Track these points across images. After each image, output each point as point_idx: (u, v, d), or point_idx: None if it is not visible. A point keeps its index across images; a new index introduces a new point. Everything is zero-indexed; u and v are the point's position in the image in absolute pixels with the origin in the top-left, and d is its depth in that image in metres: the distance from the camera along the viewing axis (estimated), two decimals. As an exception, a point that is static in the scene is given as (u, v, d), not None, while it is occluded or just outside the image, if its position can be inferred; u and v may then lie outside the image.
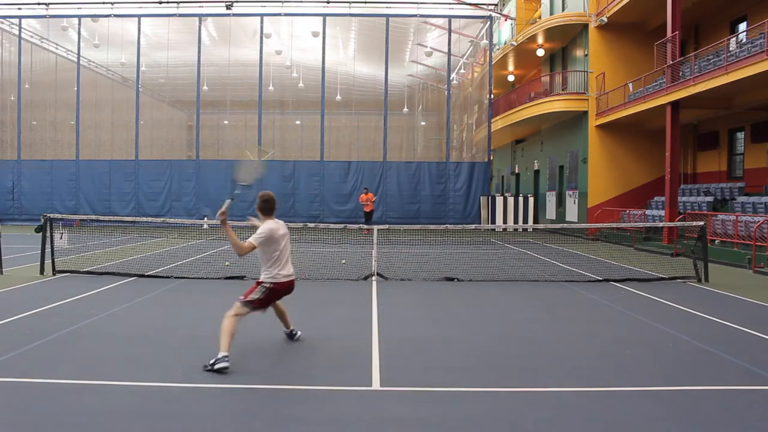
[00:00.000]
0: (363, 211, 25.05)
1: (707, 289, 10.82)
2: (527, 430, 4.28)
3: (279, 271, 6.00)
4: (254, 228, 6.28)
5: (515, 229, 25.53)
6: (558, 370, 5.67)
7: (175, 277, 11.24)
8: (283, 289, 6.08)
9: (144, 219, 15.92)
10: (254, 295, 5.94)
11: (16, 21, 28.85)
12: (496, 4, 30.77)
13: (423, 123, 31.02)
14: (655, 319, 8.00)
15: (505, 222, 26.24)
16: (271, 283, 5.97)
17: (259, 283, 6.00)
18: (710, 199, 19.23)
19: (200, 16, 28.25)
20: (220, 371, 5.37)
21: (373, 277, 11.22)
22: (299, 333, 6.73)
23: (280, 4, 28.26)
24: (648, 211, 20.79)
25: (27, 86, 28.98)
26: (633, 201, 23.45)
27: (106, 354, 6.08)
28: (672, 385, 5.28)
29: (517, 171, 36.02)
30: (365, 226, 17.07)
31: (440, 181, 28.25)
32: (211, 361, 5.47)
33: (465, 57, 31.41)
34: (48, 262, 11.38)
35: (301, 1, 28.93)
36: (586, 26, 24.27)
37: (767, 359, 6.06)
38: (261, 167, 6.71)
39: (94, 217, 23.85)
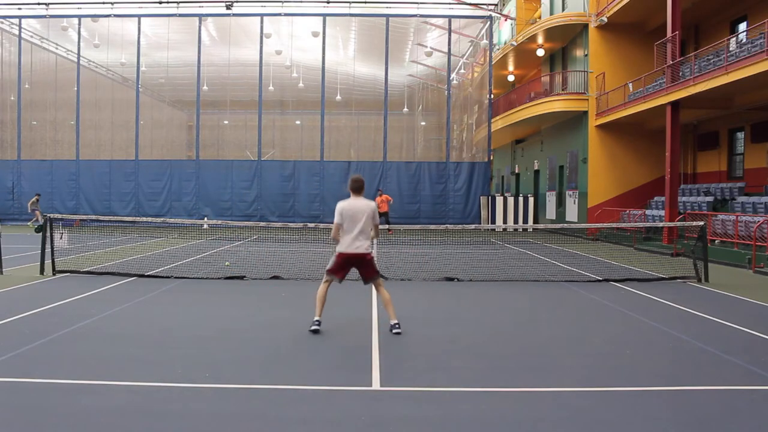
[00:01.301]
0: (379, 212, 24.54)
1: (707, 289, 10.82)
2: (527, 430, 4.28)
3: (343, 242, 6.87)
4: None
5: (515, 229, 25.54)
6: (558, 370, 5.67)
7: (175, 277, 11.24)
8: (345, 259, 6.88)
9: (144, 219, 15.93)
10: (329, 265, 6.98)
11: (16, 21, 28.85)
12: (496, 4, 30.77)
13: (423, 123, 31.03)
14: (655, 319, 8.00)
15: (505, 222, 26.25)
16: (338, 252, 6.91)
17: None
18: (710, 199, 19.23)
19: (200, 16, 28.24)
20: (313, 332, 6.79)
21: (373, 277, 11.21)
22: (399, 330, 6.92)
23: (280, 4, 28.26)
24: (648, 211, 20.79)
25: (27, 86, 28.99)
26: (633, 201, 23.44)
27: (106, 354, 6.07)
28: (672, 385, 5.28)
29: (517, 171, 36.02)
30: (387, 227, 16.66)
31: (440, 181, 28.24)
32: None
33: (465, 57, 31.41)
34: (48, 262, 11.38)
35: (301, 1, 28.93)
36: (586, 26, 24.27)
37: (767, 359, 6.06)
38: None
39: (94, 217, 23.87)
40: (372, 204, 6.98)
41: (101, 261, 13.24)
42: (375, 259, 7.12)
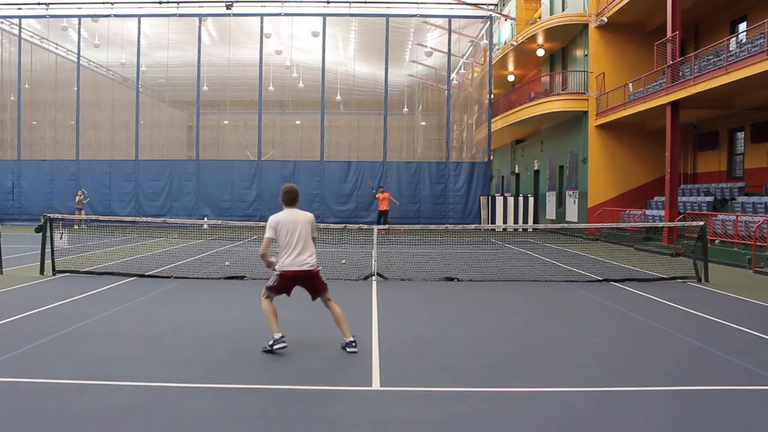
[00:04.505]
0: (378, 210, 24.53)
1: (707, 289, 10.82)
2: (527, 430, 4.28)
3: (285, 259, 6.09)
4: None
5: (515, 229, 25.53)
6: (558, 370, 5.67)
7: (175, 277, 11.23)
8: (291, 277, 6.10)
9: (144, 219, 15.92)
10: (269, 282, 6.19)
11: (16, 21, 28.85)
12: (496, 4, 30.77)
13: (423, 123, 31.03)
14: (655, 319, 8.00)
15: (505, 222, 26.24)
16: (280, 270, 6.11)
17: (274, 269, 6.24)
18: (710, 199, 19.23)
19: (200, 16, 28.25)
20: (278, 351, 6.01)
21: (373, 277, 11.23)
22: (355, 348, 6.16)
23: (280, 4, 28.27)
24: (648, 211, 20.78)
25: (27, 86, 28.98)
26: (633, 201, 23.44)
27: (106, 354, 6.07)
28: (672, 385, 5.28)
29: (517, 171, 36.02)
30: (383, 227, 16.55)
31: (440, 181, 28.25)
32: (270, 343, 6.04)
33: (465, 57, 31.42)
34: (48, 262, 11.38)
35: (301, 1, 28.94)
36: (586, 26, 24.26)
37: (767, 359, 6.06)
38: None
39: (94, 217, 23.87)
40: (310, 215, 6.32)
41: (101, 261, 13.24)
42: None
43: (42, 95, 29.34)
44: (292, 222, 6.11)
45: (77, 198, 25.71)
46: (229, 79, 29.19)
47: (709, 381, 5.41)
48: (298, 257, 6.07)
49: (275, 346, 5.99)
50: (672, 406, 4.78)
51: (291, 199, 6.21)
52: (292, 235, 6.08)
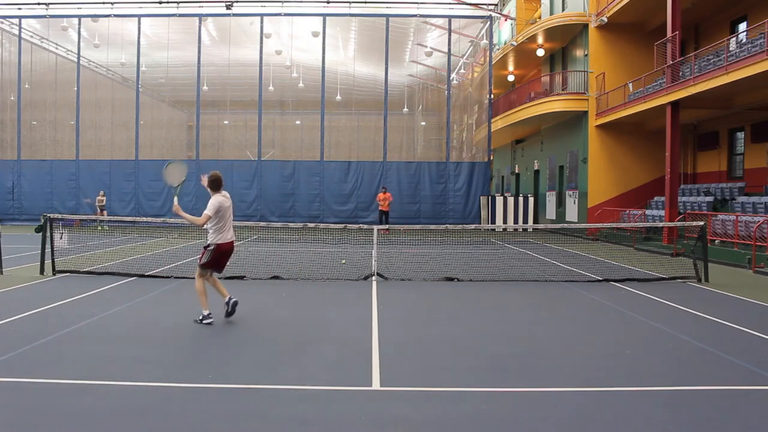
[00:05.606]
0: (379, 210, 24.59)
1: (707, 289, 10.82)
2: (527, 430, 4.28)
3: (220, 235, 7.47)
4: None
5: (515, 229, 25.53)
6: (558, 371, 5.67)
7: (175, 277, 11.23)
8: (226, 250, 7.55)
9: (144, 219, 15.91)
10: (204, 260, 7.47)
11: (16, 21, 28.83)
12: (496, 4, 30.77)
13: (423, 123, 31.02)
14: (655, 319, 8.00)
15: (505, 222, 26.23)
16: (215, 244, 7.43)
17: (206, 248, 7.50)
18: (710, 199, 19.23)
19: (200, 16, 28.24)
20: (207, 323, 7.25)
21: (373, 277, 11.23)
22: (234, 299, 7.64)
23: (280, 4, 28.26)
24: (648, 211, 20.78)
25: (27, 86, 28.96)
26: (633, 201, 23.44)
27: (106, 354, 6.08)
28: (672, 385, 5.28)
29: (517, 171, 36.02)
30: (383, 227, 16.49)
31: (440, 181, 28.24)
32: (200, 318, 7.34)
33: (465, 57, 31.41)
34: (48, 262, 11.38)
35: (301, 1, 28.92)
36: (586, 26, 24.26)
37: (767, 359, 6.06)
38: (183, 170, 8.53)
39: (94, 217, 23.88)
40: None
41: (101, 261, 13.24)
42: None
43: (42, 95, 29.32)
44: (228, 206, 7.59)
45: (100, 198, 25.75)
46: (229, 79, 29.17)
47: (709, 381, 5.41)
48: (229, 233, 7.57)
49: (205, 321, 7.29)
50: (672, 406, 4.78)
51: (219, 185, 7.62)
52: (228, 216, 7.56)
